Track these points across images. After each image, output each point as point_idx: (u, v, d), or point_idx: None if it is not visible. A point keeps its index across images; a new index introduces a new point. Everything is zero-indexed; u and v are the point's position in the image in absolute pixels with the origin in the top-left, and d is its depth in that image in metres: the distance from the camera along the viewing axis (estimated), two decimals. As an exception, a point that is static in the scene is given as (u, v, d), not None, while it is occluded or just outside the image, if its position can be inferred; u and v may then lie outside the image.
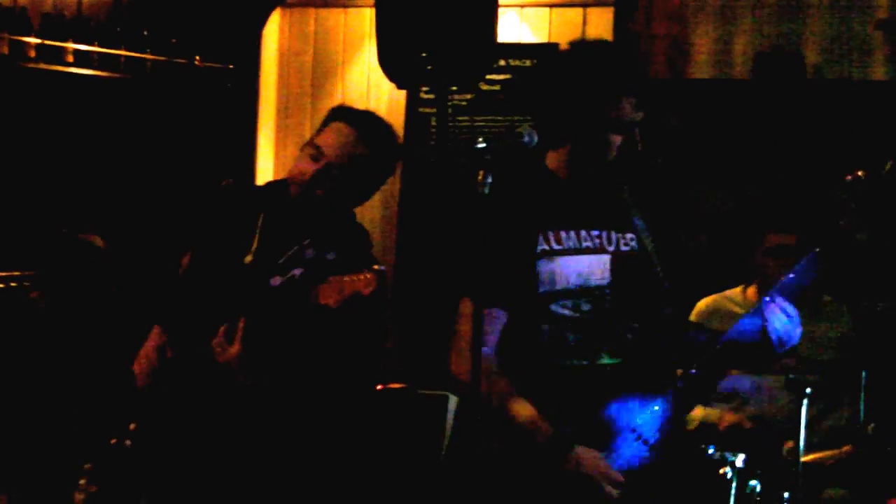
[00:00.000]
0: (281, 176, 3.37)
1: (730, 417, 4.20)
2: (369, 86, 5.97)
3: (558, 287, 2.86)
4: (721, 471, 3.49)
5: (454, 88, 5.49)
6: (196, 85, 5.89)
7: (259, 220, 3.22)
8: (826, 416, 4.24)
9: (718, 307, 4.41)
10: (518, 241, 2.85)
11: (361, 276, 2.89)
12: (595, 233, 2.93)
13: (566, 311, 2.86)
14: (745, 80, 5.74)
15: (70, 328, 4.21)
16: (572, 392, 2.82)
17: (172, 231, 3.54)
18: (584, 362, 2.85)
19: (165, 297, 3.33)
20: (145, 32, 5.69)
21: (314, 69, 6.44)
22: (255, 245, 3.19)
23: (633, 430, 2.85)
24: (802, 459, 3.69)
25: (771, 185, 5.56)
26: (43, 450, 4.02)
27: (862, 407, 4.15)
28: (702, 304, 4.46)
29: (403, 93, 5.66)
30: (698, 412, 4.23)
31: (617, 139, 2.90)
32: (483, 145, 2.62)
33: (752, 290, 4.42)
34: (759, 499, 3.55)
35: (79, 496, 3.36)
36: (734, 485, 3.46)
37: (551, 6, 6.02)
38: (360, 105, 3.49)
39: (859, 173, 2.97)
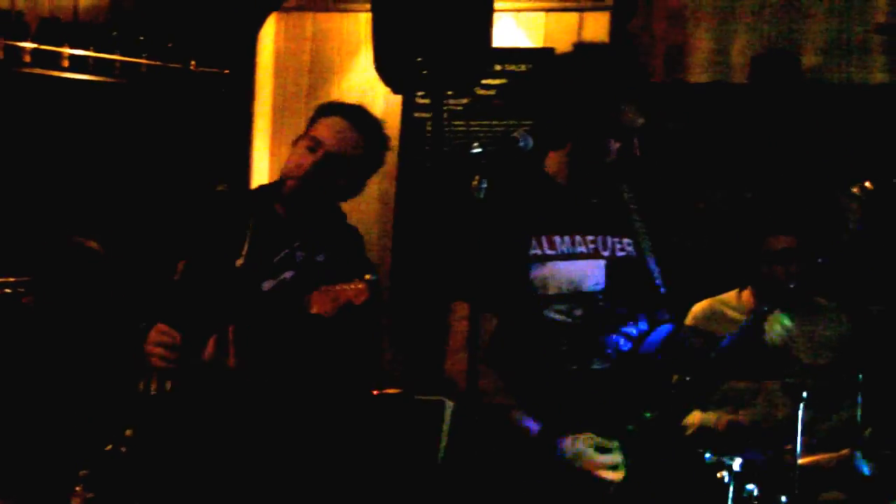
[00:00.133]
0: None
1: (727, 418, 4.20)
2: (365, 90, 5.96)
3: (551, 292, 2.85)
4: (718, 475, 3.48)
5: (450, 93, 5.50)
6: (191, 90, 5.89)
7: (250, 224, 3.24)
8: (823, 419, 4.24)
9: (714, 311, 4.42)
10: (511, 246, 2.84)
11: (352, 286, 2.92)
12: (590, 238, 2.92)
13: (559, 317, 2.85)
14: (744, 84, 5.73)
15: (65, 333, 4.20)
16: (564, 397, 2.81)
17: (168, 236, 3.54)
18: (576, 367, 2.85)
19: (160, 301, 3.33)
20: (141, 37, 5.70)
21: (310, 74, 6.43)
22: (245, 249, 3.21)
23: (624, 436, 2.83)
24: (800, 462, 3.68)
25: (770, 188, 5.56)
26: (39, 456, 4.00)
27: (859, 410, 4.14)
28: (697, 308, 4.46)
29: (399, 98, 5.65)
30: (696, 417, 4.23)
31: (616, 144, 2.89)
32: (478, 150, 2.63)
33: (747, 294, 4.42)
34: (756, 502, 3.54)
35: (75, 502, 3.35)
36: (731, 489, 3.46)
37: (547, 11, 6.01)
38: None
39: (867, 184, 2.98)
